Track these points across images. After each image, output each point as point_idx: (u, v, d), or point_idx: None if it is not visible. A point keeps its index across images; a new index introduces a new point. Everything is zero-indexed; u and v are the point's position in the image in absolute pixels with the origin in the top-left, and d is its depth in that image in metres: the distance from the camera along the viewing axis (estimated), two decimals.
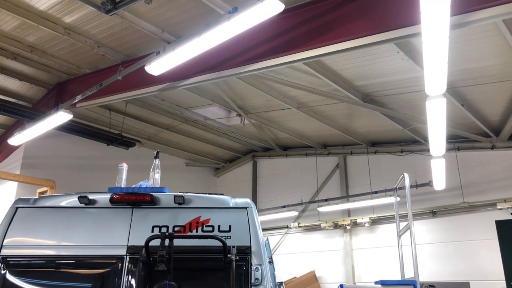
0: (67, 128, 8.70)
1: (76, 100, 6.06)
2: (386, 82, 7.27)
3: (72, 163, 9.76)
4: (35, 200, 3.71)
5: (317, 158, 10.97)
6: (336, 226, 10.37)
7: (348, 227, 10.22)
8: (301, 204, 10.34)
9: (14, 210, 3.62)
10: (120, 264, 3.42)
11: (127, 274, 3.39)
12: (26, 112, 7.85)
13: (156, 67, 4.89)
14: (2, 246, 3.44)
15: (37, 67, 8.12)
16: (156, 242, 3.25)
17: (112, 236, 3.55)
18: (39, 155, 9.38)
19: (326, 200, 10.05)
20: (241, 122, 9.42)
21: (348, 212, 10.47)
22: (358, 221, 10.04)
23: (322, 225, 10.44)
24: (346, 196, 10.33)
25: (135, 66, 5.18)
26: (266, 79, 7.43)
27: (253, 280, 3.35)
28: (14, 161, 9.33)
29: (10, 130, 9.75)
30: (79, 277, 3.60)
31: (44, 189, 8.14)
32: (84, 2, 5.17)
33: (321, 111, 8.78)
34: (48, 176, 8.80)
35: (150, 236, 3.26)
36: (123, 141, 9.59)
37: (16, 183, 8.94)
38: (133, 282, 3.36)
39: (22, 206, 3.65)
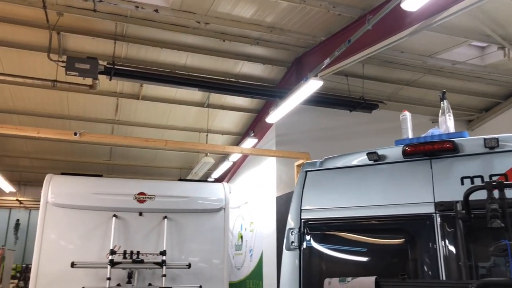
0: (309, 100, 8.89)
1: (325, 65, 5.94)
2: None
3: (319, 134, 9.99)
4: (322, 163, 3.56)
5: None
6: None
7: None
8: None
9: (304, 175, 3.56)
10: (429, 223, 2.94)
11: (440, 234, 2.87)
12: (276, 92, 8.35)
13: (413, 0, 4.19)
14: (301, 210, 3.43)
15: (276, 47, 8.48)
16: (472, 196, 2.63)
17: (412, 192, 3.09)
18: (289, 131, 9.92)
19: None
20: (504, 57, 7.74)
21: None
22: None
23: None
24: None
25: (386, 8, 4.60)
26: None
27: None
28: (269, 140, 10.15)
29: (261, 113, 10.68)
30: (383, 238, 3.28)
31: (301, 161, 8.47)
32: None
33: None
34: (300, 150, 9.20)
35: (471, 188, 2.64)
36: (366, 105, 9.22)
37: (275, 158, 9.71)
38: (450, 242, 2.82)
39: (310, 169, 3.56)
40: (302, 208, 3.41)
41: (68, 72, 7.10)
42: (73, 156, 12.73)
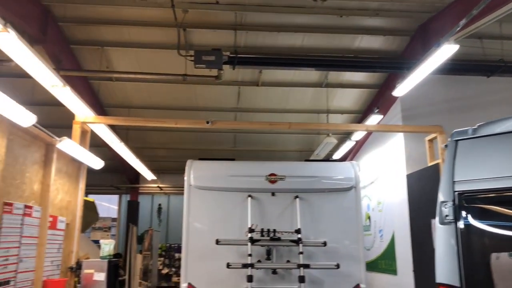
0: (438, 69, 8.20)
1: (460, 27, 5.39)
2: None
3: (450, 105, 9.21)
4: (474, 130, 3.27)
5: None
6: None
7: None
8: None
9: (454, 144, 3.30)
10: None
11: None
12: (401, 63, 7.89)
13: None
14: (454, 182, 3.19)
15: (398, 16, 8.00)
16: None
17: None
18: (416, 105, 9.33)
19: None
20: None
21: None
22: None
23: None
24: None
25: None
26: None
27: None
28: (393, 116, 9.66)
29: (383, 87, 10.21)
30: None
31: (433, 135, 7.92)
32: None
33: None
34: (428, 123, 8.58)
35: None
36: (506, 68, 8.18)
37: (402, 135, 9.21)
38: None
39: (461, 138, 3.29)
40: (454, 179, 3.18)
41: (196, 65, 7.56)
42: (201, 145, 13.68)
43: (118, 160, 12.01)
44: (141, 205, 16.24)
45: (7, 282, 5.25)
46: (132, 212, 15.58)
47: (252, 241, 5.77)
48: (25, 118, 5.04)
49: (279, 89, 10.59)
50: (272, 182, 6.30)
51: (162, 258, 15.16)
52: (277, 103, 11.17)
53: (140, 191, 16.40)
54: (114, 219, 16.59)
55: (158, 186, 16.05)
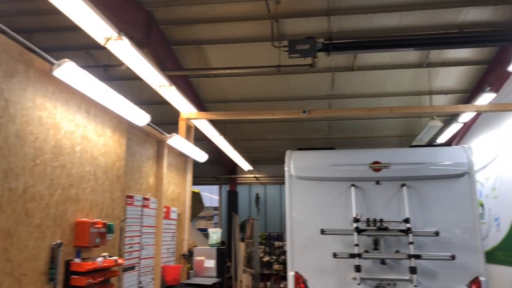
0: None
1: None
2: None
3: None
4: None
5: None
6: None
7: None
8: None
9: None
10: None
11: None
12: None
13: None
14: None
15: None
16: None
17: None
18: None
19: None
20: None
21: None
22: None
23: None
24: None
25: None
26: None
27: None
28: (508, 94, 8.75)
29: (494, 63, 9.30)
30: None
31: None
32: None
33: None
34: None
35: None
36: None
37: None
38: None
39: None
40: None
41: (290, 55, 7.53)
42: (295, 134, 13.73)
43: (217, 152, 12.54)
44: (240, 194, 16.82)
45: (132, 268, 5.80)
46: (231, 201, 16.21)
47: (359, 231, 5.66)
48: (141, 117, 5.48)
49: (375, 73, 10.19)
50: (376, 170, 6.09)
51: (262, 246, 15.59)
52: (373, 87, 10.75)
53: (238, 181, 16.99)
54: (215, 208, 17.42)
55: (254, 176, 16.48)
